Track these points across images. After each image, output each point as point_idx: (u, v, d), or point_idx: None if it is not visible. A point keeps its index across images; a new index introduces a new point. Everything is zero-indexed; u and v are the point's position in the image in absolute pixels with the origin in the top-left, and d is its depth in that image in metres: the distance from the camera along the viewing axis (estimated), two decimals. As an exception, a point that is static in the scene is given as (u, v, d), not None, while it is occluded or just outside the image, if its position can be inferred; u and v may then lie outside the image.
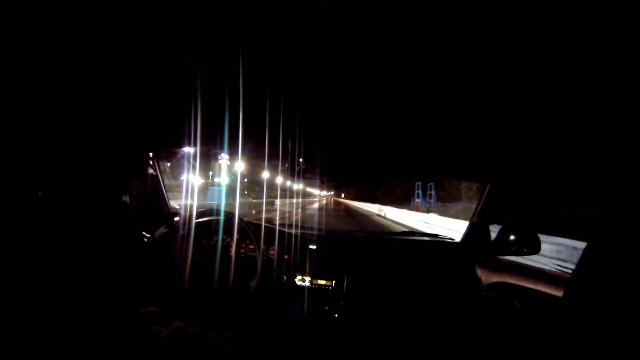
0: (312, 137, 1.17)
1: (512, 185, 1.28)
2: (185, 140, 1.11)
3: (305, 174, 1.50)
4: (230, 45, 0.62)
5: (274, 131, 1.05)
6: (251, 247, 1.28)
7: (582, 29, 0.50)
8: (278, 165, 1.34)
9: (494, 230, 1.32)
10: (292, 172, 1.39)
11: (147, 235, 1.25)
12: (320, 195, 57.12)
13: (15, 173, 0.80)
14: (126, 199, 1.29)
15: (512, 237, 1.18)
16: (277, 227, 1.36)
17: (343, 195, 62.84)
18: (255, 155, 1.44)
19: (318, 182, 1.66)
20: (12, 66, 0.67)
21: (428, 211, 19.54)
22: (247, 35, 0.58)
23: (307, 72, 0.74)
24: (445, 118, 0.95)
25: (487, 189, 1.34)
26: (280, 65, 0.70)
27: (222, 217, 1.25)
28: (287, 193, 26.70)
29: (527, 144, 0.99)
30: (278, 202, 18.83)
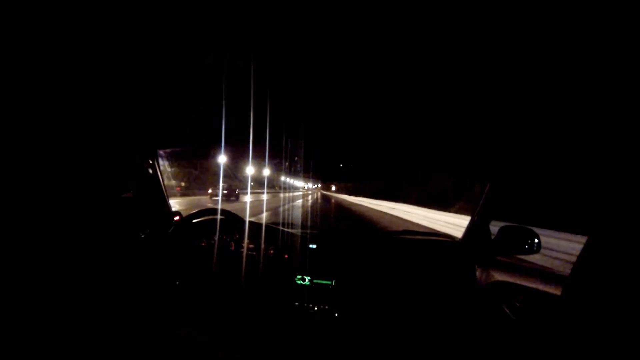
0: (296, 121, 1.12)
1: (512, 185, 1.28)
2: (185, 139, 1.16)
3: (287, 164, 1.44)
4: (220, 42, 0.64)
5: (244, 106, 0.96)
6: (251, 246, 1.29)
7: (582, 29, 0.50)
8: (249, 150, 1.27)
9: (494, 227, 1.30)
10: (270, 161, 1.36)
11: (146, 233, 1.28)
12: (304, 189, 52.96)
13: (17, 172, 0.81)
14: (127, 198, 1.31)
15: (512, 237, 1.18)
16: (278, 227, 1.36)
17: (334, 188, 60.14)
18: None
19: (302, 173, 1.59)
20: (20, 66, 0.69)
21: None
22: (239, 28, 0.60)
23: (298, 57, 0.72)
24: (445, 117, 0.95)
25: (487, 188, 1.34)
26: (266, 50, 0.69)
27: (220, 217, 1.26)
28: (264, 185, 25.88)
29: (527, 143, 0.99)
30: (249, 197, 17.92)
